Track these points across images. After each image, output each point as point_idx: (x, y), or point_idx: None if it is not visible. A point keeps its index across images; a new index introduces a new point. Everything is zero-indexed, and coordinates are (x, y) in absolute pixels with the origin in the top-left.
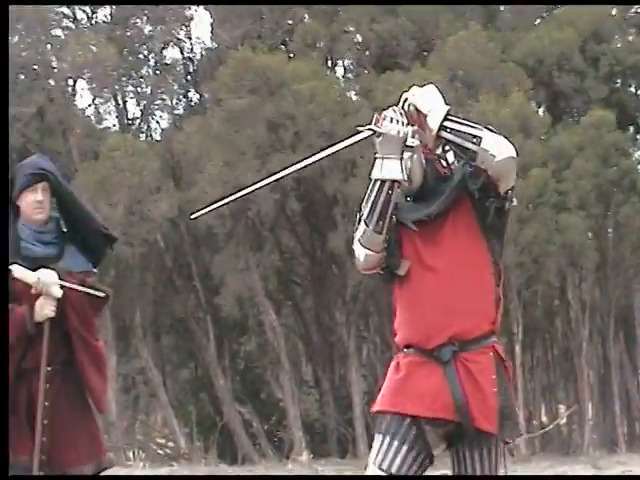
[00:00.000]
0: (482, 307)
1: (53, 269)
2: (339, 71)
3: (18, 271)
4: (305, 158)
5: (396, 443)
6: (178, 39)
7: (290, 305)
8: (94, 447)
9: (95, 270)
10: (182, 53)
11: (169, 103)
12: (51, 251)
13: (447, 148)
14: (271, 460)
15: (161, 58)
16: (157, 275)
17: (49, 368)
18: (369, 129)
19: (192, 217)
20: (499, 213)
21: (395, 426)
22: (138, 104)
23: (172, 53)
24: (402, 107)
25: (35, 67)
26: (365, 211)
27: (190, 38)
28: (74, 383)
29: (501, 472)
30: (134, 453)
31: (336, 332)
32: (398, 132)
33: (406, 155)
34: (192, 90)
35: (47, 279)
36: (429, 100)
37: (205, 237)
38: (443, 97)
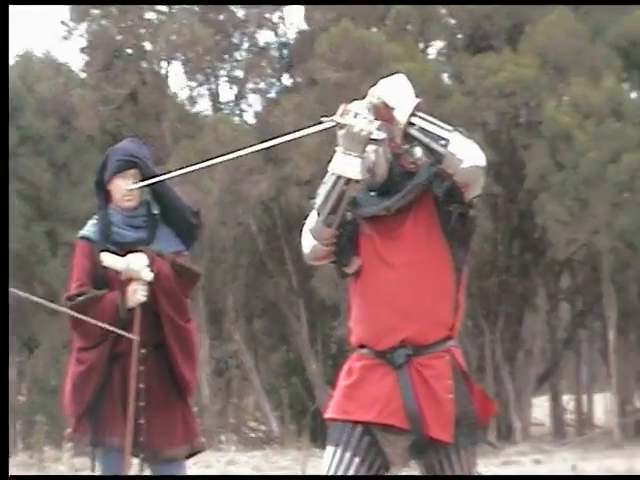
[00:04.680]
0: (438, 312)
1: (142, 252)
2: (432, 53)
3: (107, 259)
4: (271, 139)
5: (348, 455)
6: (272, 22)
7: None
8: (187, 430)
9: (186, 252)
10: (276, 36)
11: (262, 87)
12: (142, 235)
13: (415, 143)
14: None
15: (255, 41)
16: (250, 258)
17: (143, 351)
18: (332, 120)
19: (130, 188)
20: (462, 219)
21: (346, 436)
22: (231, 88)
23: (266, 36)
24: (370, 101)
25: (129, 50)
26: (318, 201)
27: (283, 19)
28: (167, 366)
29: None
30: (226, 436)
31: None
32: (361, 130)
33: (371, 148)
34: (286, 74)
35: (136, 264)
36: (397, 93)
37: (298, 220)
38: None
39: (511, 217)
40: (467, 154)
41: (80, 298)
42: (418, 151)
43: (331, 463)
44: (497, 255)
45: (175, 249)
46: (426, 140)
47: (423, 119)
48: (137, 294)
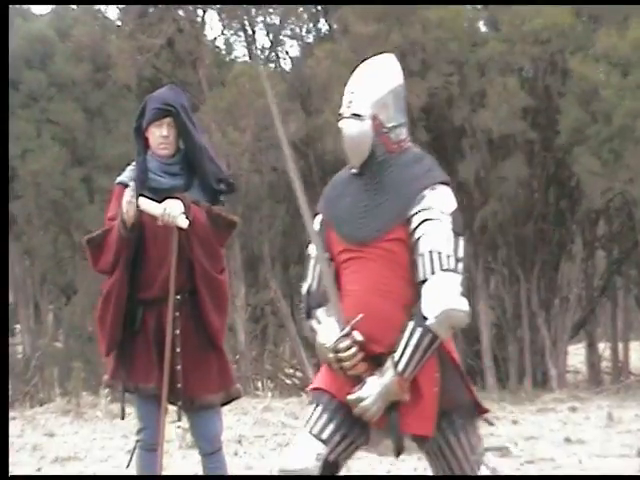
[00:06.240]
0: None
1: (179, 199)
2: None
3: (144, 203)
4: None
5: (326, 416)
6: None
7: None
8: (223, 376)
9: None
10: None
11: (299, 32)
12: (178, 182)
13: (403, 121)
14: None
15: None
16: (286, 206)
17: (178, 297)
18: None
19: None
20: None
21: (325, 401)
22: (267, 34)
23: None
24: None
25: None
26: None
27: None
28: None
29: (476, 453)
30: (263, 383)
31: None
32: (367, 412)
33: (355, 125)
34: (321, 20)
35: (172, 210)
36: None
37: (333, 166)
38: None
39: (547, 165)
40: (445, 324)
41: (93, 233)
42: (403, 132)
43: (311, 417)
44: (533, 203)
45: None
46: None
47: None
48: (126, 197)
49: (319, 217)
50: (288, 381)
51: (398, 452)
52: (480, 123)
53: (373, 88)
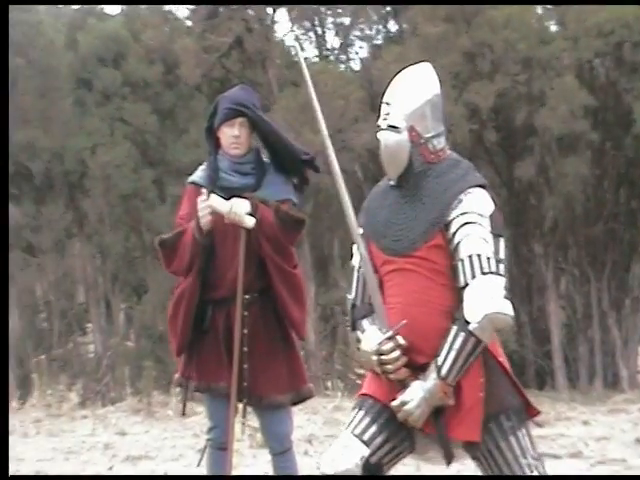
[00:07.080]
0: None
1: (247, 198)
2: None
3: (214, 200)
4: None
5: (368, 419)
6: None
7: None
8: (294, 376)
9: (294, 199)
10: None
11: (368, 33)
12: (249, 181)
13: (441, 130)
14: None
15: None
16: (357, 205)
17: (247, 296)
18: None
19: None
20: None
21: (368, 405)
22: (337, 34)
23: None
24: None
25: None
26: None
27: None
28: (272, 311)
29: (527, 456)
30: (333, 383)
31: (534, 263)
32: (411, 415)
33: (392, 137)
34: (391, 20)
35: (239, 209)
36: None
37: None
38: None
39: (618, 164)
40: (488, 327)
41: (166, 235)
42: (441, 141)
43: (354, 419)
44: (604, 202)
45: (281, 197)
46: (463, 362)
47: (450, 366)
48: (201, 208)
49: (360, 230)
50: (358, 381)
51: (448, 460)
52: (543, 123)
53: (409, 99)
